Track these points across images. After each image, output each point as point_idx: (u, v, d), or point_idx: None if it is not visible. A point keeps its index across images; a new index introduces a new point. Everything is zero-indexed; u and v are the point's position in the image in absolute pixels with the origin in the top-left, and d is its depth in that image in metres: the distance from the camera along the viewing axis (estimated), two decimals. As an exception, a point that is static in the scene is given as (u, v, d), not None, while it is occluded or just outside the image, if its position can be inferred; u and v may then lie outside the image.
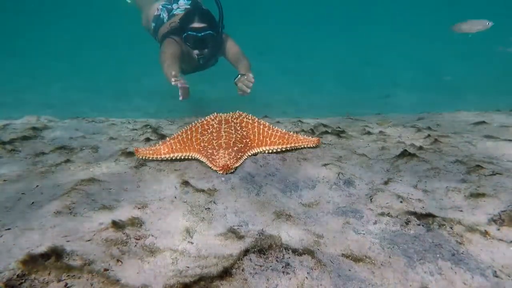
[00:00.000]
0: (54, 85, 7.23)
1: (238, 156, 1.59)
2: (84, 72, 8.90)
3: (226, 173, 1.52)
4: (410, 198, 1.32)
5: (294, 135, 1.83)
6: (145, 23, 4.75)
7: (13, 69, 8.58)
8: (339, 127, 2.47)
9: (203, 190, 1.38)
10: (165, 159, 1.67)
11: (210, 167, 1.56)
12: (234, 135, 1.69)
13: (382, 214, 1.21)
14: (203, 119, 1.81)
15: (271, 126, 1.82)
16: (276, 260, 0.93)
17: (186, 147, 1.67)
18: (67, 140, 2.15)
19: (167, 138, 1.80)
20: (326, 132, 2.27)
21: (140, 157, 1.69)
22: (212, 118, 1.81)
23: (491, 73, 8.63)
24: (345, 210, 1.26)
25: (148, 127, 2.53)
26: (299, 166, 1.64)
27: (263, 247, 0.98)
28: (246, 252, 0.96)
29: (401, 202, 1.27)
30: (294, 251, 0.97)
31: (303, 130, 2.40)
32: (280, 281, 0.86)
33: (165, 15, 4.24)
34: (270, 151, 1.74)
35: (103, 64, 10.04)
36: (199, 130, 1.73)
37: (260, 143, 1.73)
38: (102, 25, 16.03)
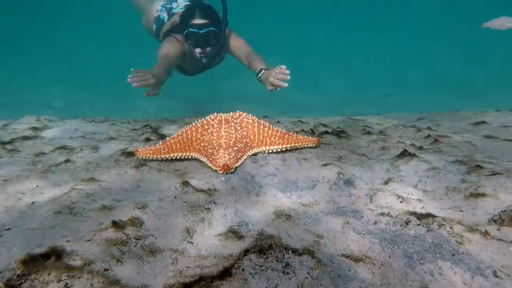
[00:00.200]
0: (54, 85, 7.23)
1: (238, 156, 1.59)
2: (84, 72, 8.91)
3: (226, 173, 1.52)
4: (410, 198, 1.32)
5: (294, 135, 1.83)
6: (146, 25, 4.63)
7: (13, 69, 8.59)
8: (339, 127, 2.47)
9: (203, 190, 1.38)
10: (165, 159, 1.67)
11: (210, 167, 1.56)
12: (234, 135, 1.69)
13: (382, 214, 1.21)
14: (203, 119, 1.81)
15: (271, 126, 1.82)
16: (276, 260, 0.93)
17: (186, 147, 1.67)
18: (67, 140, 2.15)
19: (167, 138, 1.80)
20: (326, 132, 2.27)
21: (140, 157, 1.69)
22: (212, 118, 1.80)
23: (491, 73, 8.64)
24: (345, 210, 1.26)
25: (148, 127, 2.53)
26: (299, 166, 1.63)
27: (263, 247, 0.98)
28: (246, 252, 0.96)
29: (401, 202, 1.27)
30: (294, 251, 0.97)
31: (303, 130, 2.40)
32: (280, 281, 0.86)
33: (165, 15, 4.14)
34: (270, 151, 1.74)
35: (103, 64, 10.05)
36: (199, 130, 1.73)
37: (260, 143, 1.73)
38: (102, 25, 16.05)
